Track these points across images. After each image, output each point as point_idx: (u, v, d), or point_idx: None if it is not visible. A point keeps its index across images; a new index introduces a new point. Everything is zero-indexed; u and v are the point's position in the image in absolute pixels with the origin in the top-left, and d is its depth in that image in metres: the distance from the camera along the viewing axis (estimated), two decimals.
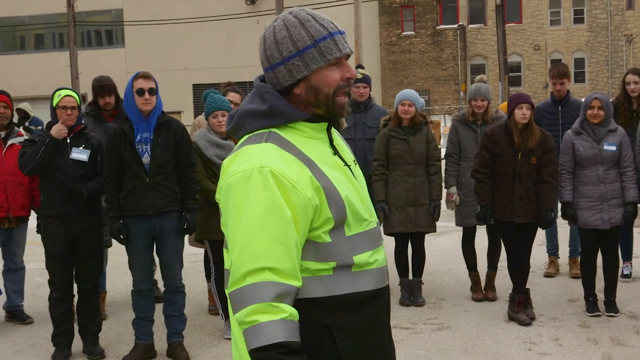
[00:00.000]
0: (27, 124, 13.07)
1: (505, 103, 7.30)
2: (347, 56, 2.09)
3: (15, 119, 7.97)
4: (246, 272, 1.91)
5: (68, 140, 5.59)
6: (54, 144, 5.49)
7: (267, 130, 2.06)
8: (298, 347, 1.92)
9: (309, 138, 2.09)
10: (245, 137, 2.09)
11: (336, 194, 2.03)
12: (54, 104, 5.56)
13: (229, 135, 5.92)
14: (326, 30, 2.05)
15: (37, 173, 5.58)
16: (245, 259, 1.92)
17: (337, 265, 2.03)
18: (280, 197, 1.93)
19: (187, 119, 29.11)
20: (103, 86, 6.60)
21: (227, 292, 1.98)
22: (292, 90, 2.07)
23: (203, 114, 6.36)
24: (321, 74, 2.06)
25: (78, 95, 5.70)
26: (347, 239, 2.05)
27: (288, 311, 1.92)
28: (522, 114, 6.18)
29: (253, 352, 1.91)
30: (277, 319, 1.90)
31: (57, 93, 5.60)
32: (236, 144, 2.15)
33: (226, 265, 2.13)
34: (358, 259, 2.07)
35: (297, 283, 1.95)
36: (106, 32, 38.52)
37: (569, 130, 6.47)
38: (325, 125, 2.13)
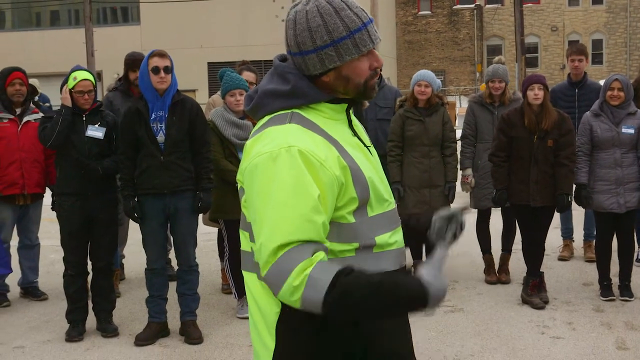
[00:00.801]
0: (36, 98, 13.12)
1: (483, 85, 7.26)
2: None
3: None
4: (277, 246, 1.88)
5: (84, 118, 5.60)
6: (70, 113, 5.51)
7: (289, 110, 2.04)
8: (351, 268, 1.91)
9: (329, 119, 2.08)
10: (267, 117, 2.07)
11: (361, 174, 2.02)
12: (70, 87, 5.55)
13: (247, 115, 5.94)
14: (360, 21, 2.03)
15: (60, 144, 5.56)
16: (276, 237, 1.89)
17: (360, 247, 2.03)
18: (308, 176, 1.91)
19: (202, 97, 29.08)
20: (136, 60, 6.48)
21: (262, 274, 1.93)
22: (321, 77, 2.05)
23: (218, 92, 6.34)
24: (352, 65, 2.04)
25: (94, 77, 5.68)
26: (369, 220, 2.04)
27: (322, 254, 1.92)
28: (534, 94, 6.11)
29: (325, 300, 1.86)
30: (317, 262, 1.89)
31: (73, 76, 5.57)
32: (254, 124, 2.14)
33: (243, 247, 2.12)
34: (379, 239, 2.06)
35: (323, 241, 1.94)
36: (122, 9, 38.46)
37: (588, 112, 6.40)
38: (345, 106, 2.12)
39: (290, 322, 2.00)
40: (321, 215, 1.93)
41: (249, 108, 2.14)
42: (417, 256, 7.00)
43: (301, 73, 2.06)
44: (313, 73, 2.04)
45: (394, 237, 2.13)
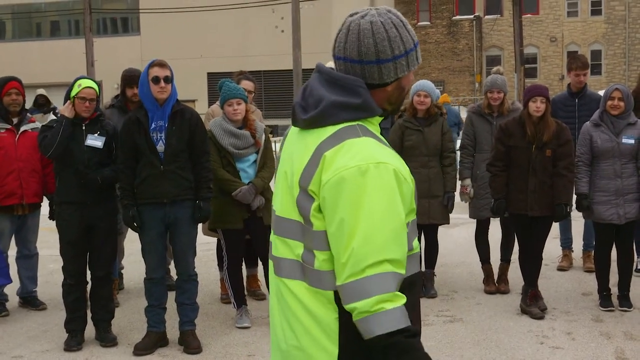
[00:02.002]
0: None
1: (446, 95, 7.30)
2: None
3: (28, 105, 7.97)
4: (368, 264, 1.97)
5: (83, 127, 5.61)
6: (70, 123, 5.52)
7: (354, 122, 2.12)
8: (417, 331, 2.06)
9: (376, 131, 2.18)
10: (333, 127, 2.11)
11: (414, 184, 2.16)
12: (74, 93, 5.56)
13: (244, 125, 5.95)
14: (416, 36, 2.22)
15: (59, 154, 5.57)
16: (368, 251, 1.98)
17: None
18: (398, 193, 2.03)
19: (202, 107, 29.14)
20: (133, 77, 6.51)
21: (341, 282, 2.02)
22: (385, 87, 2.17)
23: (217, 102, 6.36)
24: (410, 76, 2.21)
25: (97, 86, 5.70)
26: (410, 225, 2.16)
27: (405, 298, 2.02)
28: (536, 107, 6.13)
29: (379, 338, 1.98)
30: (399, 305, 2.00)
31: (78, 83, 5.59)
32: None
33: (284, 254, 2.17)
34: (415, 243, 2.21)
35: (404, 271, 2.06)
36: (122, 19, 38.58)
37: (588, 122, 6.41)
38: (382, 119, 2.24)
39: (352, 326, 2.05)
40: (405, 230, 2.05)
41: (308, 116, 2.15)
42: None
43: (366, 81, 2.15)
44: (386, 81, 2.15)
45: (417, 241, 2.27)
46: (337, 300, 2.08)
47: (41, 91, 13.87)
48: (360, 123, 2.12)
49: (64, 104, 5.63)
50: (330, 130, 2.11)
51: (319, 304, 2.11)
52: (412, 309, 2.14)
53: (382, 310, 1.97)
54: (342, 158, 2.04)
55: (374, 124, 2.18)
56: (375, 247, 1.98)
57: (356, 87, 2.12)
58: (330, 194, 2.03)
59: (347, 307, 2.02)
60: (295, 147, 2.21)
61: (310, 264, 2.10)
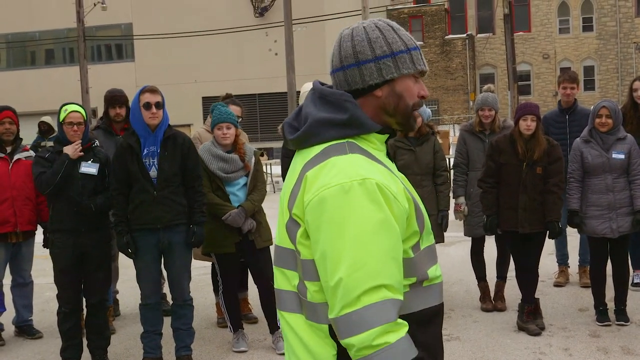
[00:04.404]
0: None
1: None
2: (423, 74, 2.09)
3: (25, 133, 7.97)
4: (362, 291, 1.80)
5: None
6: (71, 163, 5.53)
7: (343, 140, 1.97)
8: (423, 357, 1.92)
9: (376, 150, 2.03)
10: (320, 146, 1.97)
11: (419, 206, 2.01)
12: (61, 119, 5.59)
13: (233, 148, 5.97)
14: (414, 43, 2.06)
15: (55, 192, 5.59)
16: (361, 277, 1.80)
17: (417, 281, 1.97)
18: (388, 210, 1.86)
19: (194, 131, 29.17)
20: (114, 97, 6.70)
21: (334, 315, 1.85)
22: (373, 91, 2.01)
23: (202, 126, 6.39)
24: (406, 83, 2.03)
25: (84, 110, 5.71)
26: (422, 253, 2.00)
27: (407, 325, 1.87)
28: (527, 125, 6.16)
29: None
30: (404, 335, 1.84)
31: (64, 108, 5.62)
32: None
33: (281, 286, 2.05)
34: (431, 272, 2.01)
35: (402, 297, 1.89)
36: (116, 46, 38.76)
37: (578, 139, 6.44)
38: (386, 137, 2.08)
39: None
40: (401, 249, 1.89)
41: (294, 137, 2.03)
42: None
43: (350, 88, 2.02)
44: (369, 83, 1.99)
45: (438, 270, 2.07)
46: (333, 334, 1.92)
47: (45, 118, 14.01)
48: (350, 140, 1.97)
49: (58, 133, 5.64)
50: (316, 149, 1.97)
51: (317, 338, 1.96)
52: (437, 342, 2.03)
53: (387, 344, 1.80)
54: (324, 177, 1.89)
55: (372, 142, 2.02)
56: (367, 272, 1.81)
57: (342, 101, 1.98)
58: (312, 217, 1.88)
59: (344, 342, 1.84)
60: (289, 174, 2.07)
61: (304, 296, 1.96)
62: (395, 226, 1.87)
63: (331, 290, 1.84)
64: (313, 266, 1.91)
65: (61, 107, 5.64)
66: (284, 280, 2.04)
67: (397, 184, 1.94)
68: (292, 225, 1.96)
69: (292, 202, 1.96)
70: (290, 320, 2.02)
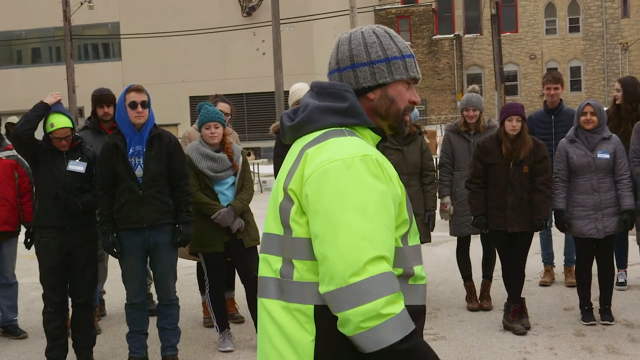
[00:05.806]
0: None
1: None
2: (416, 81, 2.18)
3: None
4: (367, 260, 1.84)
5: (64, 154, 5.57)
6: (44, 108, 5.51)
7: (342, 128, 2.06)
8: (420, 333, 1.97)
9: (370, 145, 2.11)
10: (319, 132, 2.05)
11: (408, 201, 2.09)
12: (48, 131, 5.50)
13: (221, 148, 5.96)
14: (409, 51, 2.16)
15: (30, 130, 5.48)
16: (364, 246, 1.85)
17: (403, 273, 2.02)
18: (386, 185, 1.95)
19: (184, 131, 29.13)
20: (102, 96, 6.69)
21: (336, 286, 1.86)
22: (366, 94, 2.11)
23: (193, 125, 6.38)
24: (398, 88, 2.13)
25: (71, 119, 5.57)
26: (409, 248, 2.06)
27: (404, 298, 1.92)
28: (512, 126, 6.19)
29: (398, 344, 1.85)
30: (404, 307, 1.89)
31: (50, 122, 5.48)
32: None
33: (264, 273, 2.08)
34: (417, 269, 2.07)
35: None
36: (103, 45, 38.57)
37: (563, 139, 6.47)
38: (379, 139, 2.17)
39: (330, 349, 1.94)
40: (394, 225, 1.96)
41: (294, 122, 2.11)
42: None
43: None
44: (362, 85, 2.10)
45: (423, 272, 2.13)
46: (317, 317, 1.94)
47: (12, 119, 13.69)
48: (348, 129, 2.06)
49: (43, 138, 5.57)
50: (316, 133, 2.06)
51: (295, 324, 1.97)
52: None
53: (393, 315, 1.85)
54: (326, 152, 1.97)
55: (367, 139, 2.10)
56: (371, 241, 1.86)
57: (342, 91, 2.08)
58: (313, 189, 1.94)
59: (345, 314, 1.85)
60: (285, 162, 2.13)
61: (289, 277, 1.98)
62: (391, 202, 1.95)
63: (331, 260, 1.87)
64: (305, 245, 1.96)
65: (46, 119, 5.51)
66: (266, 266, 2.08)
67: (393, 170, 2.04)
68: (287, 203, 2.01)
69: (288, 180, 2.02)
70: (268, 306, 2.05)
